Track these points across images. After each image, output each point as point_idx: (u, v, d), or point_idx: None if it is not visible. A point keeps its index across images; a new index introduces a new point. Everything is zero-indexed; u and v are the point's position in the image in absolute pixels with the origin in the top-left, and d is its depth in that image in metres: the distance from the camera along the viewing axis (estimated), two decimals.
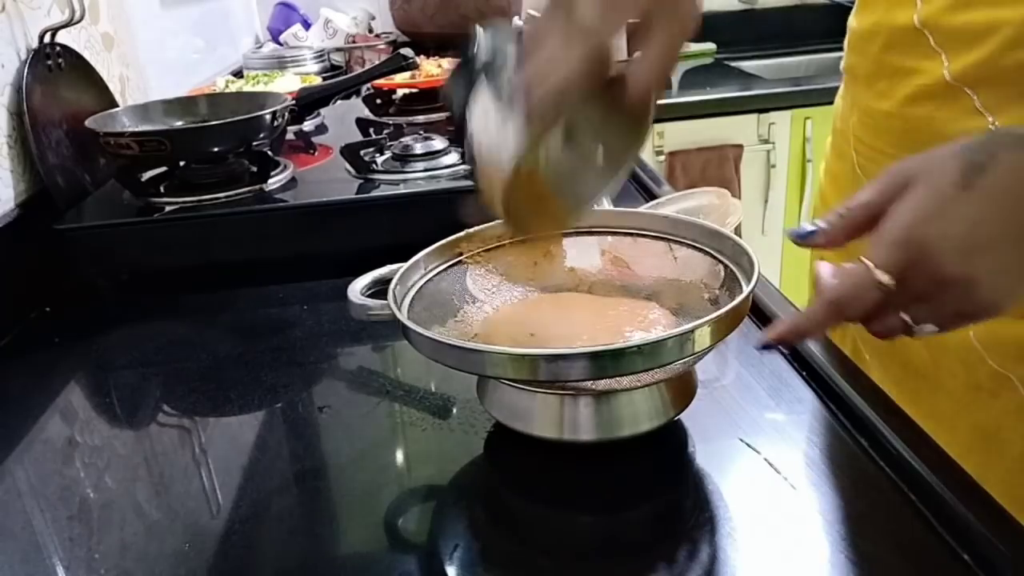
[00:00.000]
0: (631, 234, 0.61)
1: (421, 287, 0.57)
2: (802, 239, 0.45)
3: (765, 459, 0.50)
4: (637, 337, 0.52)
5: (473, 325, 0.57)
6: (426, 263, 0.58)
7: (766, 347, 0.43)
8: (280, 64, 1.78)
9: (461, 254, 0.61)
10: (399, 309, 0.51)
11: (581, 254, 0.63)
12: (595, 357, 0.44)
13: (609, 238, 0.63)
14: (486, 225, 0.62)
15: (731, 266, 0.54)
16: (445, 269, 0.59)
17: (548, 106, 0.41)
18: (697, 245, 0.57)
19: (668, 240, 0.59)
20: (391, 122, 1.19)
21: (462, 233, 0.61)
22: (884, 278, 0.39)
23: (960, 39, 0.55)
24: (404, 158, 0.96)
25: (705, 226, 0.57)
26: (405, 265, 0.57)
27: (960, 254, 0.38)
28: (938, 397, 0.66)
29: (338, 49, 1.99)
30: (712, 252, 0.56)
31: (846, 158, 0.71)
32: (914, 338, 0.43)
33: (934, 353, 0.65)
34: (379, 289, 0.56)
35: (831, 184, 0.77)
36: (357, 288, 0.56)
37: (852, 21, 0.66)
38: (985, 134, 0.41)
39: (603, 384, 0.49)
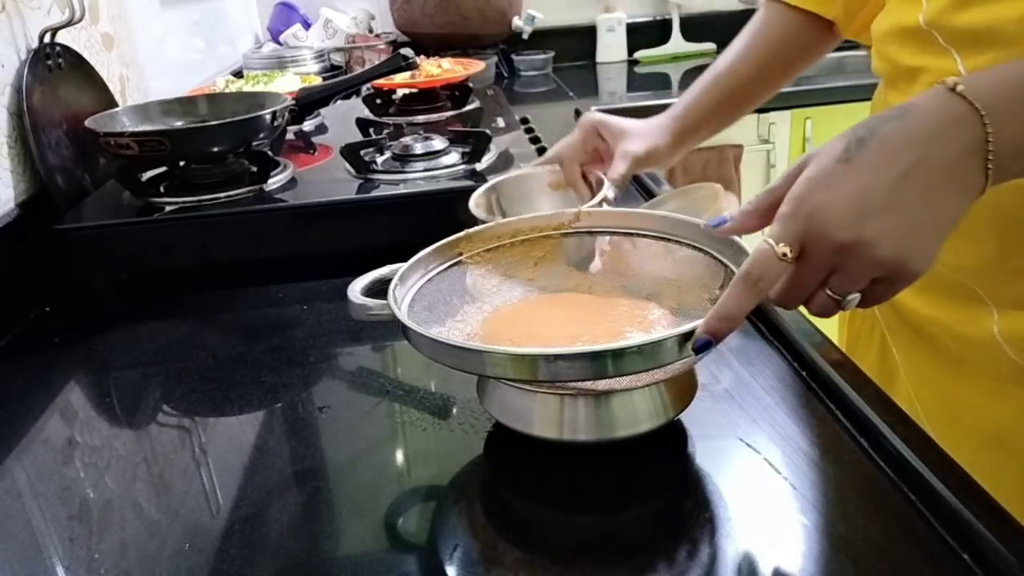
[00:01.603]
0: (631, 234, 0.61)
1: (421, 287, 0.57)
2: (715, 227, 0.49)
3: (765, 459, 0.50)
4: (637, 337, 0.52)
5: (473, 325, 0.57)
6: (426, 263, 0.58)
7: (703, 347, 0.44)
8: (280, 64, 1.78)
9: (461, 254, 0.61)
10: (399, 309, 0.51)
11: (579, 254, 0.63)
12: (595, 357, 0.44)
13: (609, 238, 0.63)
14: (486, 225, 0.62)
15: (731, 266, 0.54)
16: (445, 269, 0.59)
17: None
18: (697, 245, 0.57)
19: (668, 240, 0.59)
20: (391, 122, 1.19)
21: (462, 233, 0.61)
22: (783, 250, 0.42)
23: (967, 38, 0.55)
24: (404, 158, 0.97)
25: (705, 226, 0.57)
26: (405, 265, 0.57)
27: (849, 220, 0.41)
28: (962, 389, 0.66)
29: (338, 49, 1.98)
30: (712, 252, 0.56)
31: None
32: (847, 311, 0.45)
33: (960, 346, 0.65)
34: (379, 289, 0.56)
35: None
36: (357, 288, 0.56)
37: (874, 25, 0.66)
38: (873, 115, 0.44)
39: (603, 384, 0.49)
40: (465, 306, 0.59)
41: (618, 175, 0.74)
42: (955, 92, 0.42)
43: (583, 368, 0.44)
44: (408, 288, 0.56)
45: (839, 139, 0.43)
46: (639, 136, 0.78)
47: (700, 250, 0.57)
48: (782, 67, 0.84)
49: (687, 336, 0.44)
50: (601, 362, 0.44)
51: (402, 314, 0.50)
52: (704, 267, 0.57)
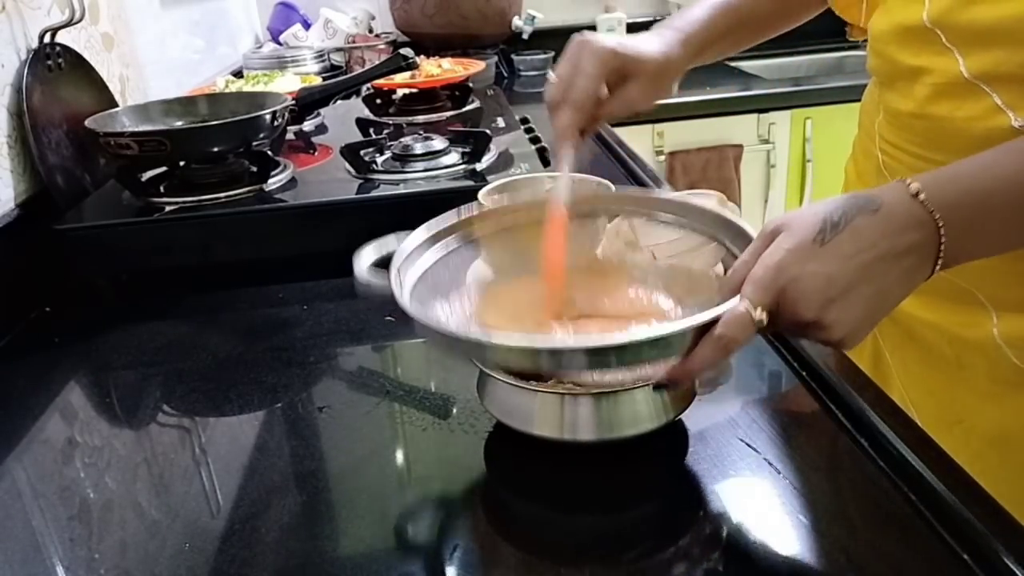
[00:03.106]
0: (643, 216, 0.61)
1: (428, 261, 0.57)
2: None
3: (765, 459, 0.50)
4: (620, 336, 0.51)
5: (475, 300, 0.57)
6: (434, 238, 0.58)
7: (660, 387, 0.49)
8: (280, 64, 1.78)
9: (472, 231, 0.60)
10: (400, 287, 0.51)
11: (593, 235, 0.62)
12: (595, 352, 0.43)
13: (622, 220, 0.62)
14: (498, 204, 0.62)
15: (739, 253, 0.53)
16: (455, 246, 0.59)
17: None
18: (707, 231, 0.57)
19: (679, 225, 0.59)
20: (391, 122, 1.19)
21: (474, 211, 0.60)
22: (760, 316, 0.45)
23: (971, 36, 0.55)
24: (404, 158, 0.96)
25: (717, 214, 0.56)
26: (411, 238, 0.56)
27: (814, 303, 0.45)
28: (959, 392, 0.66)
29: (338, 49, 1.98)
30: (720, 239, 0.56)
31: (871, 156, 0.72)
32: None
33: (956, 349, 0.65)
34: (388, 257, 0.55)
35: (858, 181, 0.77)
36: (364, 262, 0.54)
37: (872, 23, 0.66)
38: (848, 195, 0.47)
39: (601, 379, 0.49)
40: (470, 282, 0.58)
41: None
42: (916, 199, 0.46)
43: (582, 361, 0.44)
44: (413, 263, 0.56)
45: (814, 217, 0.46)
46: (652, 70, 0.68)
47: (710, 236, 0.56)
48: (794, 7, 0.82)
49: (700, 329, 0.44)
50: (600, 357, 0.43)
51: (402, 293, 0.50)
52: (713, 255, 0.56)
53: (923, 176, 0.47)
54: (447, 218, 0.60)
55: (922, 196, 0.45)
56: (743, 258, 0.49)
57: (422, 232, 0.57)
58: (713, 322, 0.45)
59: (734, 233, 0.55)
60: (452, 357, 0.48)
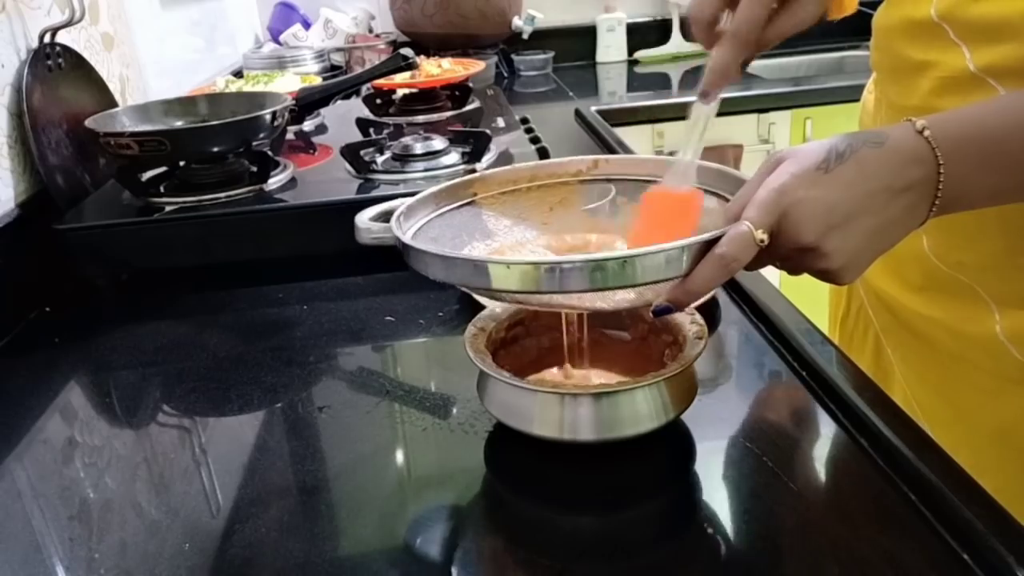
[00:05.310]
0: (649, 182, 0.60)
1: (430, 220, 0.57)
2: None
3: (765, 459, 0.50)
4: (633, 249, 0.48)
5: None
6: (437, 200, 0.58)
7: (663, 312, 0.47)
8: (280, 64, 1.78)
9: (475, 194, 0.60)
10: (403, 233, 0.51)
11: (596, 201, 0.62)
12: (592, 267, 0.43)
13: (625, 186, 0.62)
14: (503, 168, 0.61)
15: None
16: (457, 208, 0.59)
17: None
18: (714, 191, 0.56)
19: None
20: (391, 122, 1.19)
21: (477, 174, 0.61)
22: (761, 236, 0.44)
23: (979, 30, 0.55)
24: (404, 158, 0.96)
25: (722, 171, 0.56)
26: (414, 198, 0.56)
27: (815, 227, 0.45)
28: (962, 388, 0.66)
29: (338, 49, 1.98)
30: (722, 195, 0.55)
31: None
32: None
33: (960, 345, 0.65)
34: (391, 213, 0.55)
35: None
36: (366, 216, 0.55)
37: (876, 18, 0.67)
38: (855, 131, 0.47)
39: (602, 388, 0.49)
40: (473, 242, 0.58)
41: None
42: (921, 135, 0.46)
43: (576, 278, 0.43)
44: (416, 220, 0.56)
45: (819, 146, 0.46)
46: None
47: (720, 196, 0.56)
48: None
49: (702, 248, 0.44)
50: (598, 273, 0.43)
51: (403, 234, 0.50)
52: (719, 213, 0.56)
53: (931, 116, 0.47)
54: (455, 182, 0.60)
55: (927, 132, 0.46)
56: (746, 187, 0.48)
57: (425, 192, 0.58)
58: (714, 242, 0.44)
59: (735, 186, 0.54)
60: (451, 284, 0.47)
